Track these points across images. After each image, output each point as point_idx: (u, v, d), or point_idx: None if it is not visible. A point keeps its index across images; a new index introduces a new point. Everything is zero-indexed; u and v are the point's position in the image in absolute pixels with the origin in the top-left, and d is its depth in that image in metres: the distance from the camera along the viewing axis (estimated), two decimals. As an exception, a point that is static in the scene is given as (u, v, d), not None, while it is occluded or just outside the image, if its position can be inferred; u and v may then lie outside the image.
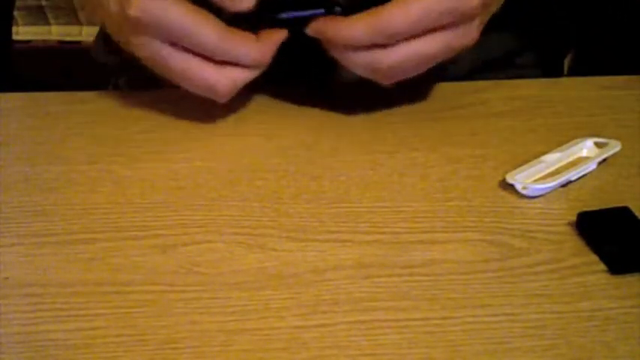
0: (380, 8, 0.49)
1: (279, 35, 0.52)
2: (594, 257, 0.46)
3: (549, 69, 0.76)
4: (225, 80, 0.52)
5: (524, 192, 0.50)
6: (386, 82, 0.53)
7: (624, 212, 0.48)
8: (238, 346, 0.40)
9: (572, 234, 0.47)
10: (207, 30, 0.50)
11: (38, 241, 0.46)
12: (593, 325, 0.42)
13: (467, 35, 0.51)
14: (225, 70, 0.52)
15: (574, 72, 0.84)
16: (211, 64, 0.51)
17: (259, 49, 0.52)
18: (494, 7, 0.54)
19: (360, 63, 0.51)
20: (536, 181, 0.51)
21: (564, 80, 0.71)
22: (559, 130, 0.56)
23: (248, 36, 0.52)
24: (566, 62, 0.83)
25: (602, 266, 0.45)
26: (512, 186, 0.50)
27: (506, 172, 0.51)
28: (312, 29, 0.52)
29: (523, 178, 0.50)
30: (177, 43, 0.50)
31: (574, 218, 0.48)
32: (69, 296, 0.43)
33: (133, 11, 0.49)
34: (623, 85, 0.62)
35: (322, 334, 0.41)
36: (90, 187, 0.50)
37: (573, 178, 0.51)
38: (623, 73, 0.63)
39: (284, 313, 0.42)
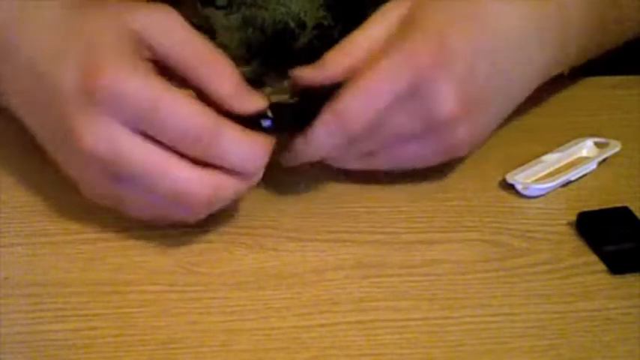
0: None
1: (271, 140, 0.44)
2: (594, 257, 0.46)
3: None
4: (205, 189, 0.42)
5: (524, 192, 0.50)
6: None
7: (624, 212, 0.48)
8: (238, 346, 0.40)
9: (572, 234, 0.47)
10: (191, 111, 0.41)
11: (38, 241, 0.46)
12: (593, 325, 0.42)
13: (446, 143, 0.48)
14: (205, 173, 0.42)
15: (574, 72, 0.84)
16: (188, 164, 0.42)
17: (251, 148, 0.43)
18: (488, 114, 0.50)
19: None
20: (536, 181, 0.51)
21: (564, 80, 0.71)
22: (559, 130, 0.56)
23: (240, 129, 0.43)
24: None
25: (602, 266, 0.45)
26: (512, 186, 0.50)
27: (506, 172, 0.51)
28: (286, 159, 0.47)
29: (523, 178, 0.50)
30: (147, 130, 0.41)
31: (574, 218, 0.48)
32: (69, 296, 0.43)
33: (102, 80, 0.40)
34: (623, 85, 0.62)
35: (322, 334, 0.41)
36: (90, 187, 0.50)
37: (573, 178, 0.51)
38: (623, 73, 0.63)
39: (284, 313, 0.42)
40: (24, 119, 0.46)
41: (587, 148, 0.54)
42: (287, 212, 0.48)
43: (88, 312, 0.42)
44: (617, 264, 0.45)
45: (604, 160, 0.53)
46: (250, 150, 0.43)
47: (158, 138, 0.41)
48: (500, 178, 0.51)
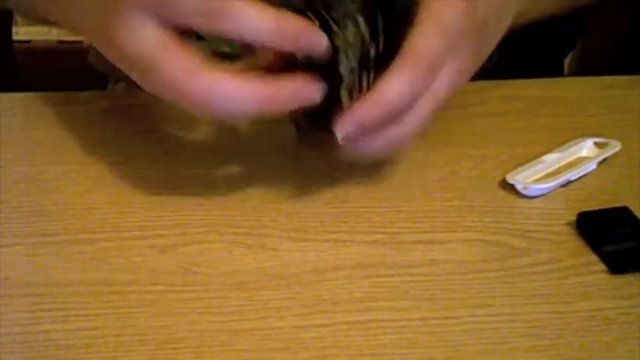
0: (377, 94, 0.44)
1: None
2: (594, 257, 0.46)
3: (549, 69, 0.76)
4: (196, 85, 0.43)
5: (524, 192, 0.50)
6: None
7: (624, 212, 0.48)
8: (238, 346, 0.40)
9: (572, 234, 0.47)
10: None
11: (38, 241, 0.46)
12: (593, 325, 0.42)
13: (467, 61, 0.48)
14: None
15: (574, 72, 0.84)
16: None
17: (262, 17, 0.42)
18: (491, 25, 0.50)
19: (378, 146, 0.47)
20: (536, 181, 0.51)
21: (564, 80, 0.71)
22: (559, 130, 0.56)
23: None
24: (566, 62, 0.83)
25: (602, 266, 0.45)
26: (512, 186, 0.50)
27: (506, 172, 0.51)
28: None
29: (523, 178, 0.50)
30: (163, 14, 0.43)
31: (574, 218, 0.48)
32: (69, 296, 0.43)
33: None
34: (623, 85, 0.62)
35: (322, 334, 0.41)
36: (90, 187, 0.50)
37: (573, 178, 0.51)
38: (623, 73, 0.63)
39: (284, 313, 0.42)
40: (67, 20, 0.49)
41: (587, 148, 0.54)
42: (287, 212, 0.49)
43: (88, 312, 0.42)
44: (617, 264, 0.45)
45: (604, 160, 0.53)
46: (270, 21, 0.42)
47: (177, 22, 0.43)
48: (500, 178, 0.51)
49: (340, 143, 0.45)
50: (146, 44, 0.43)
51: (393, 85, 0.44)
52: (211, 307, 0.42)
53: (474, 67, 0.49)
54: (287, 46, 0.44)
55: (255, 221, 0.48)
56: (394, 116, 0.45)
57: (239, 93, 0.43)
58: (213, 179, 0.51)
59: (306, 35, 0.44)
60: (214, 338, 0.41)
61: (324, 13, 0.45)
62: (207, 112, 0.44)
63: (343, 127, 0.44)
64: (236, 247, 0.46)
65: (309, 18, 0.45)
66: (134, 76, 0.46)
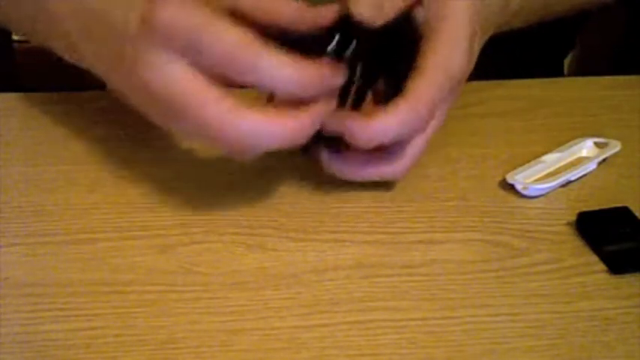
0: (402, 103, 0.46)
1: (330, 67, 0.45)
2: (594, 257, 0.46)
3: (549, 69, 0.76)
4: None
5: (524, 192, 0.50)
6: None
7: (624, 212, 0.48)
8: (238, 346, 0.40)
9: (572, 234, 0.47)
10: (231, 38, 0.42)
11: (38, 241, 0.46)
12: (593, 325, 0.42)
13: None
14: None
15: (574, 72, 0.84)
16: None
17: (296, 72, 0.43)
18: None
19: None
20: (536, 181, 0.51)
21: (564, 80, 0.71)
22: (559, 130, 0.56)
23: (284, 55, 0.43)
24: (566, 62, 0.83)
25: (602, 266, 0.45)
26: (512, 186, 0.50)
27: (506, 172, 0.51)
28: (331, 125, 0.46)
29: (523, 178, 0.50)
30: (194, 58, 0.43)
31: (574, 218, 0.48)
32: (69, 296, 0.43)
33: (163, 13, 0.42)
34: (623, 85, 0.62)
35: (322, 334, 0.41)
36: (90, 187, 0.50)
37: (573, 178, 0.51)
38: (623, 73, 0.63)
39: (284, 313, 0.42)
40: (81, 58, 0.49)
41: (587, 148, 0.54)
42: (287, 212, 0.49)
43: (88, 312, 0.42)
44: (617, 264, 0.45)
45: (604, 160, 0.53)
46: (294, 73, 0.43)
47: (205, 66, 0.43)
48: (500, 178, 0.51)
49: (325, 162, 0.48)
50: (175, 84, 0.43)
51: (392, 121, 0.45)
52: (211, 307, 0.42)
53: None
54: (311, 93, 0.44)
55: (255, 221, 0.48)
56: (381, 149, 0.47)
57: (271, 132, 0.43)
58: (214, 179, 0.51)
59: (328, 81, 0.44)
60: (214, 338, 0.41)
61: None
62: (239, 151, 0.45)
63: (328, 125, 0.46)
64: (236, 247, 0.46)
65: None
66: (153, 112, 0.46)
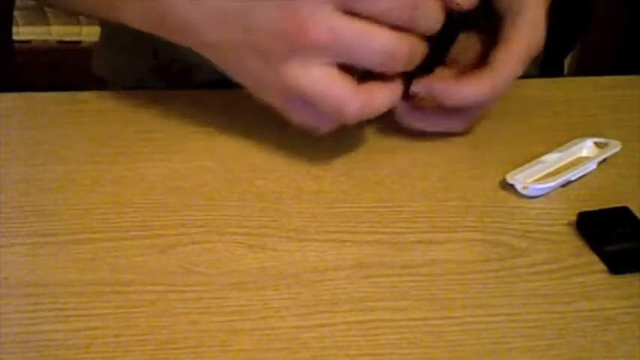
0: (489, 73, 0.52)
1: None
2: (594, 257, 0.46)
3: (549, 69, 0.76)
4: (404, 45, 0.47)
5: (524, 192, 0.50)
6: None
7: (624, 212, 0.48)
8: (238, 346, 0.40)
9: (572, 234, 0.47)
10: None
11: (38, 241, 0.46)
12: (593, 325, 0.42)
13: None
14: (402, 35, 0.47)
15: (574, 72, 0.84)
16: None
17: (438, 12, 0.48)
18: None
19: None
20: (536, 181, 0.51)
21: (564, 80, 0.71)
22: (559, 130, 0.56)
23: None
24: (566, 62, 0.83)
25: (602, 266, 0.45)
26: (512, 186, 0.50)
27: (506, 172, 0.51)
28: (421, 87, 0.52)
29: (523, 178, 0.50)
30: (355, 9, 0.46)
31: (574, 218, 0.48)
32: (69, 296, 0.43)
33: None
34: (623, 85, 0.62)
35: (322, 334, 0.41)
36: (90, 187, 0.50)
37: (573, 178, 0.51)
38: (623, 73, 0.63)
39: (284, 313, 0.42)
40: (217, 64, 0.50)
41: (587, 148, 0.54)
42: (287, 212, 0.49)
43: (88, 312, 0.42)
44: (617, 264, 0.45)
45: (604, 160, 0.53)
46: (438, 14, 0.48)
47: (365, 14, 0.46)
48: (500, 178, 0.51)
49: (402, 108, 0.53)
50: (317, 85, 0.47)
51: (478, 89, 0.52)
52: (211, 307, 0.42)
53: None
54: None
55: (255, 221, 0.48)
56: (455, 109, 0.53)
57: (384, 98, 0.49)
58: (214, 179, 0.51)
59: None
60: (214, 338, 0.41)
61: None
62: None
63: (418, 87, 0.52)
64: (236, 247, 0.46)
65: None
66: (287, 106, 0.49)
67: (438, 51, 0.52)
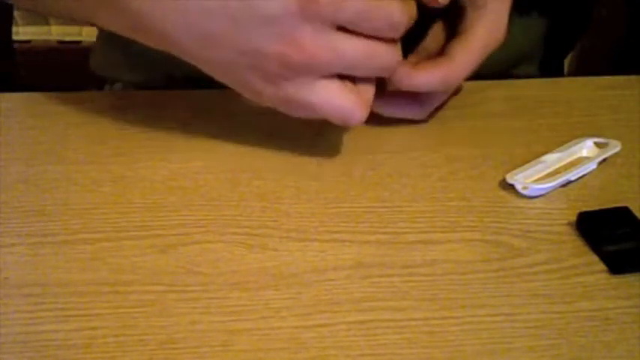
0: (447, 62, 0.52)
1: None
2: (594, 257, 0.46)
3: (549, 69, 0.76)
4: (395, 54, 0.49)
5: (524, 192, 0.50)
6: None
7: (624, 212, 0.48)
8: (238, 346, 0.40)
9: (572, 234, 0.47)
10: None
11: (38, 241, 0.46)
12: (593, 325, 0.42)
13: None
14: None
15: (574, 72, 0.84)
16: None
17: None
18: None
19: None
20: (536, 181, 0.51)
21: (564, 80, 0.71)
22: (559, 130, 0.56)
23: None
24: (566, 62, 0.83)
25: (602, 266, 0.45)
26: (512, 186, 0.50)
27: (506, 172, 0.51)
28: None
29: (523, 178, 0.50)
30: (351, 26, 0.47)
31: (574, 218, 0.48)
32: (69, 296, 0.43)
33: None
34: (623, 85, 0.62)
35: (322, 334, 0.41)
36: (90, 187, 0.50)
37: (573, 178, 0.51)
38: (623, 73, 0.63)
39: (284, 313, 0.42)
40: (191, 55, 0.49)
41: (587, 148, 0.54)
42: (287, 212, 0.49)
43: (88, 312, 0.42)
44: (617, 264, 0.45)
45: (604, 160, 0.53)
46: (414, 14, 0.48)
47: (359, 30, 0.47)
48: (500, 178, 0.51)
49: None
50: (317, 95, 0.48)
51: (435, 77, 0.52)
52: (211, 307, 0.42)
53: None
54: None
55: (255, 221, 0.48)
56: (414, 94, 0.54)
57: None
58: (214, 179, 0.51)
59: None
60: (214, 338, 0.41)
61: None
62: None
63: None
64: (236, 247, 0.46)
65: None
66: (289, 111, 0.50)
67: (409, 40, 0.52)
